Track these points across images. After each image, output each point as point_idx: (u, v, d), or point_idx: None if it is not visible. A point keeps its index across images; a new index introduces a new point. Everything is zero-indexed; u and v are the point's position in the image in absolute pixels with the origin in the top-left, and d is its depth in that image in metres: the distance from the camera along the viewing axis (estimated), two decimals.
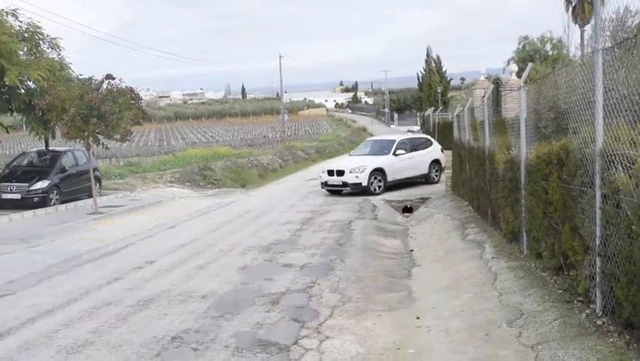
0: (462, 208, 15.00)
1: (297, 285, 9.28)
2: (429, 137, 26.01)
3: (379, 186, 21.52)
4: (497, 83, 18.54)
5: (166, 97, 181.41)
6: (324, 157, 44.32)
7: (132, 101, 18.96)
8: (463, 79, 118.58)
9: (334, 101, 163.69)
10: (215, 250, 12.67)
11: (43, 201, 20.09)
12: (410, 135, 26.08)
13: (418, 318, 7.49)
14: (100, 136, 18.62)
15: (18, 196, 20.09)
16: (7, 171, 22.26)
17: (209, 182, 27.90)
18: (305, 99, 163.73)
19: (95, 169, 21.74)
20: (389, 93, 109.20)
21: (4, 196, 20.16)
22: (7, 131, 25.37)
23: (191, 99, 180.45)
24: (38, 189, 20.33)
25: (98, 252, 13.06)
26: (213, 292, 8.99)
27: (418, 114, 78.04)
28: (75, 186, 21.91)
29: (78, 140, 19.07)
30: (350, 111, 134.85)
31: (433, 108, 49.21)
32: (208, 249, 12.80)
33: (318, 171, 33.97)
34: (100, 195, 21.40)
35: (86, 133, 17.97)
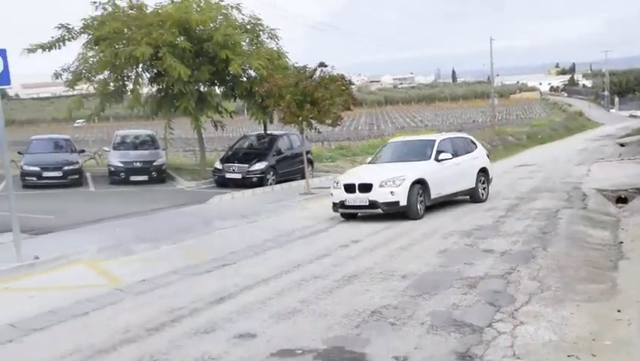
0: None
1: (495, 270, 9.37)
2: (471, 137, 19.51)
3: (420, 208, 15.00)
4: None
5: (377, 82, 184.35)
6: (535, 143, 43.05)
7: (343, 88, 19.89)
8: None
9: (549, 84, 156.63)
10: (417, 233, 13.03)
11: (260, 181, 21.73)
12: (449, 134, 19.37)
13: (619, 311, 7.31)
14: (313, 121, 19.79)
15: (239, 176, 21.93)
16: (230, 152, 24.34)
17: None
18: (517, 82, 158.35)
19: (307, 152, 23.03)
20: (609, 75, 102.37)
21: (228, 176, 22.12)
22: (231, 116, 27.59)
23: (401, 83, 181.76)
24: (257, 169, 22.02)
25: (309, 230, 14.01)
26: (413, 273, 9.37)
27: None
28: (289, 168, 23.39)
29: (293, 124, 20.38)
30: (566, 95, 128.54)
31: None
32: (411, 232, 13.20)
33: (528, 157, 33.22)
34: (312, 177, 22.65)
35: (300, 118, 19.18)
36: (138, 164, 23.72)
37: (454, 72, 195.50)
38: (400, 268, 9.68)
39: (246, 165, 22.11)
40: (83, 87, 25.47)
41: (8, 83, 10.98)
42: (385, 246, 11.71)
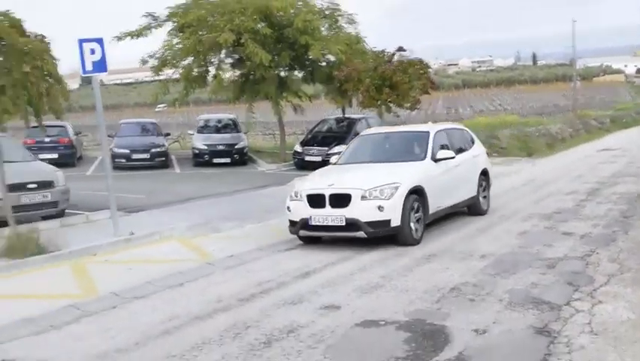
0: None
1: (575, 252, 9.45)
2: (467, 129, 14.66)
3: (417, 229, 10.54)
4: None
5: (454, 65, 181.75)
6: (620, 127, 41.86)
7: (421, 72, 20.07)
8: None
9: (635, 66, 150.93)
10: (496, 215, 13.14)
11: None
12: (443, 125, 14.24)
13: None
14: (391, 105, 20.04)
15: (319, 159, 22.30)
16: (309, 136, 24.81)
17: (494, 150, 28.11)
18: (602, 65, 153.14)
19: None
20: None
21: (307, 158, 22.60)
22: (310, 100, 28.08)
23: (480, 66, 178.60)
24: (336, 152, 22.32)
25: None
26: (492, 253, 9.55)
27: None
28: None
29: (372, 108, 20.67)
30: None
31: None
32: (490, 214, 13.32)
33: (611, 141, 32.43)
34: None
35: (378, 102, 19.51)
36: (221, 147, 24.54)
37: (534, 55, 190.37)
38: (479, 249, 9.89)
39: (326, 148, 22.49)
40: (168, 73, 26.42)
41: (105, 70, 11.68)
42: (464, 227, 11.90)
